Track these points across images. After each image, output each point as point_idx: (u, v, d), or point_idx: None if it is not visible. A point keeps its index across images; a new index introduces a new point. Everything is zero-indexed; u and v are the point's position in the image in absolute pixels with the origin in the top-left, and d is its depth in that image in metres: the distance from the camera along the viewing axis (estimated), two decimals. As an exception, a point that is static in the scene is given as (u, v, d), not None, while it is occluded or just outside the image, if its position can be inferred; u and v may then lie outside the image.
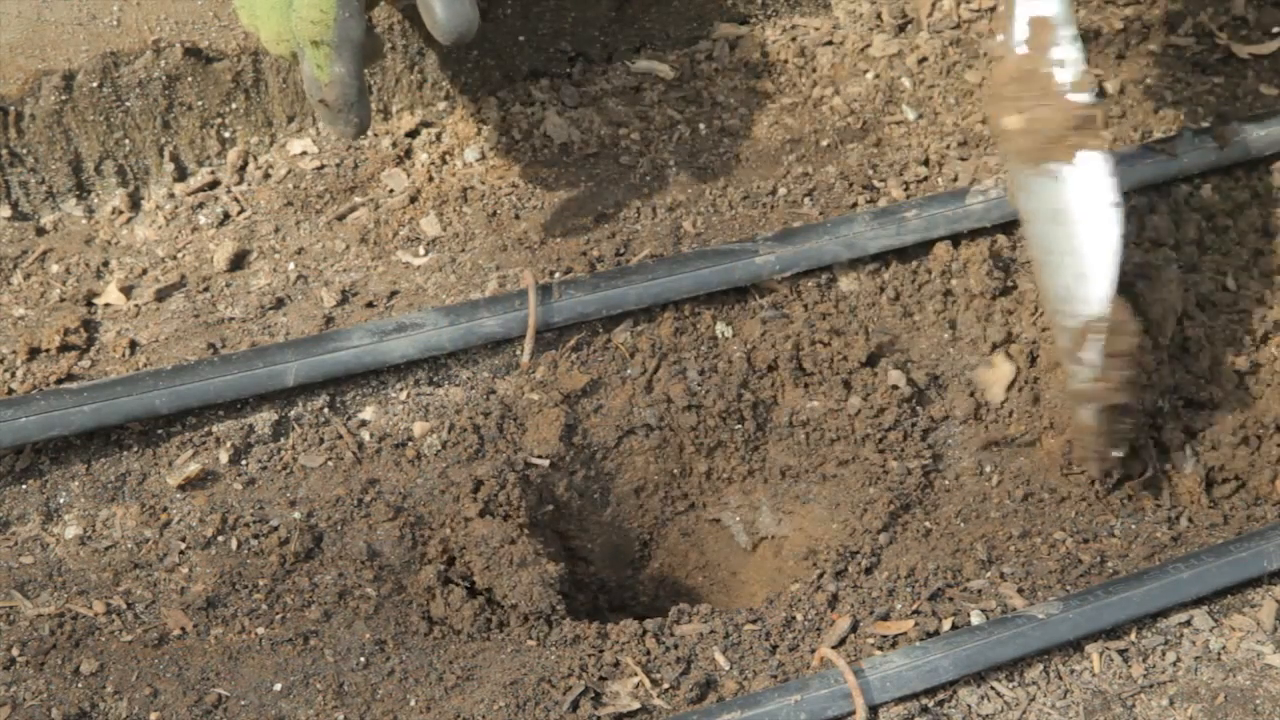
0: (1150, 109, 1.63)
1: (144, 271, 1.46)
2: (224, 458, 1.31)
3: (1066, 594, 1.21)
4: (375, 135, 1.59)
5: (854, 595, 1.24)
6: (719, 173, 1.56)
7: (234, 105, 1.54)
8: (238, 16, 1.39)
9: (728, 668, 1.20)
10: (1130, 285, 1.35)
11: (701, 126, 1.61)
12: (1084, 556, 1.26)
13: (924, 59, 1.67)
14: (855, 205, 1.51)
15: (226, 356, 1.34)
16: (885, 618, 1.21)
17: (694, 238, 1.47)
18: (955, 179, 1.53)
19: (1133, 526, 1.30)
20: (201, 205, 1.53)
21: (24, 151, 1.49)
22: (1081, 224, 1.27)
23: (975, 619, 1.20)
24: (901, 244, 1.46)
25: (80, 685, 1.17)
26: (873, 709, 1.14)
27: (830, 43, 1.70)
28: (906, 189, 1.53)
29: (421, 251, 1.48)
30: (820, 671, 1.16)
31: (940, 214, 1.47)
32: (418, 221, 1.51)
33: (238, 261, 1.47)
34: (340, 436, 1.34)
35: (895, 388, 1.41)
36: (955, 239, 1.48)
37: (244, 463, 1.32)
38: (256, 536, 1.27)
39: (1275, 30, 1.74)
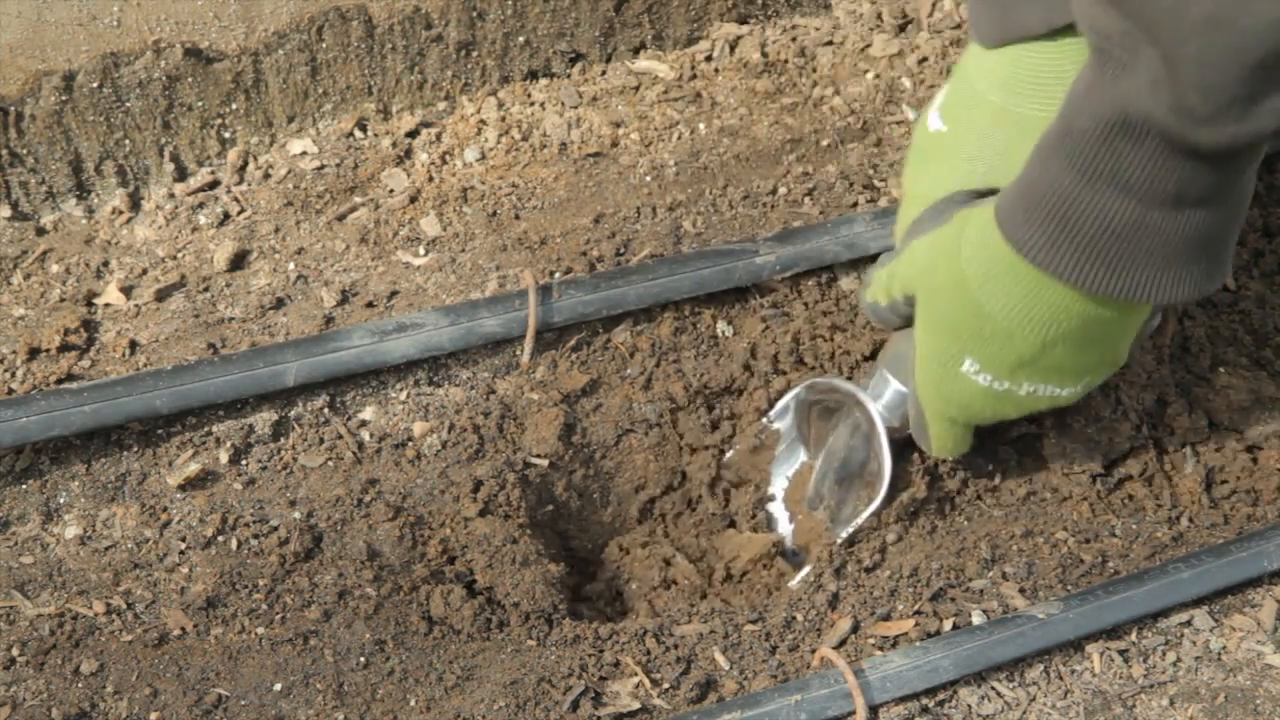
0: (1150, 109, 1.63)
1: (144, 271, 1.46)
2: (224, 458, 1.31)
3: (1067, 594, 1.21)
4: (375, 135, 1.59)
5: (855, 595, 1.24)
6: (719, 173, 1.56)
7: (234, 105, 1.54)
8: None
9: (728, 668, 1.20)
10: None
11: (701, 126, 1.61)
12: (1085, 556, 1.26)
13: (924, 59, 1.67)
14: (856, 205, 1.51)
15: (226, 356, 1.33)
16: (887, 618, 1.21)
17: (694, 238, 1.47)
18: (955, 179, 1.53)
19: (1133, 526, 1.30)
20: (201, 205, 1.53)
21: (24, 151, 1.49)
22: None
23: (976, 619, 1.20)
24: (902, 244, 1.46)
25: (80, 685, 1.17)
26: (873, 709, 1.14)
27: (830, 43, 1.70)
28: (907, 189, 1.53)
29: (421, 251, 1.48)
30: (820, 671, 1.16)
31: (940, 214, 1.47)
32: (418, 221, 1.51)
33: (238, 261, 1.47)
34: (340, 436, 1.34)
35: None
36: (955, 239, 1.48)
37: (244, 463, 1.32)
38: (256, 536, 1.27)
39: (1275, 30, 1.74)
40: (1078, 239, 1.04)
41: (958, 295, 1.15)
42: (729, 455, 1.39)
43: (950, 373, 1.19)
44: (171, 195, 1.54)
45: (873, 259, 1.47)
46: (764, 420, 1.38)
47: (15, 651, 1.18)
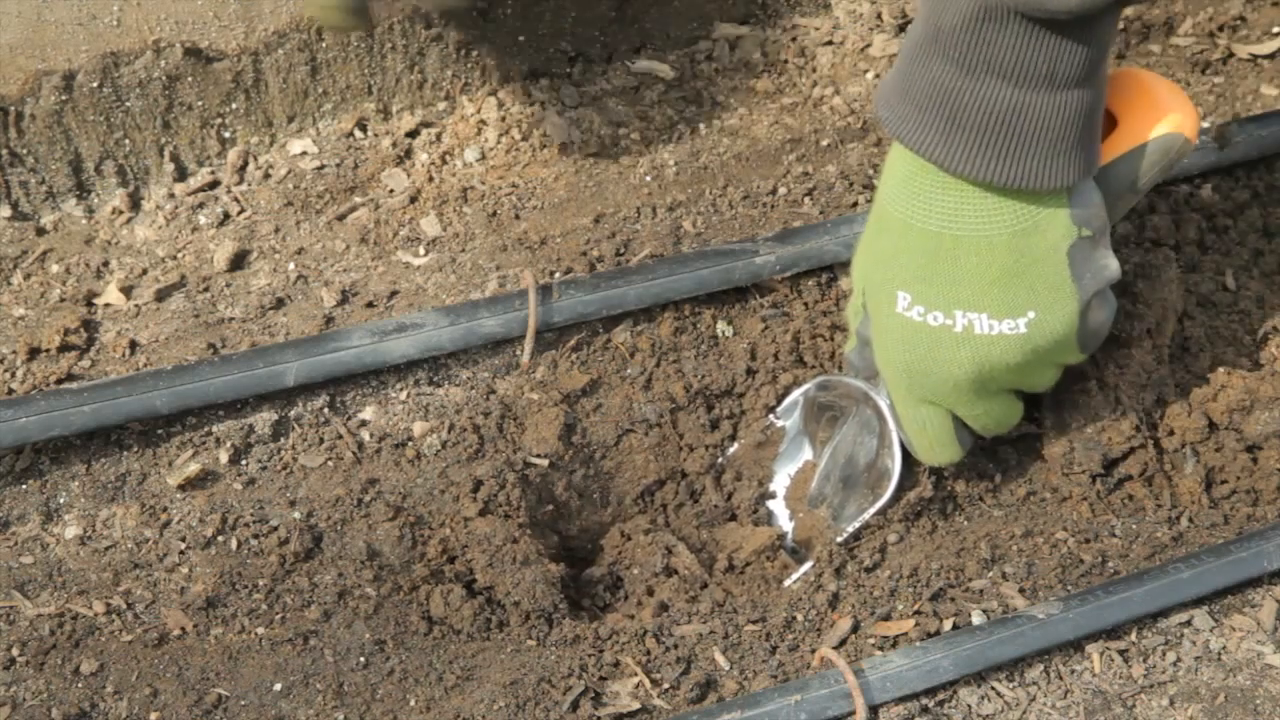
0: (1150, 109, 1.63)
1: (144, 271, 1.46)
2: (224, 458, 1.31)
3: (1067, 594, 1.21)
4: (375, 135, 1.59)
5: (855, 595, 1.24)
6: (719, 173, 1.56)
7: (234, 105, 1.54)
8: None
9: (728, 668, 1.20)
10: (1130, 285, 1.35)
11: (701, 126, 1.61)
12: (1085, 556, 1.26)
13: (924, 59, 1.67)
14: (856, 205, 1.51)
15: (226, 356, 1.34)
16: (887, 618, 1.21)
17: (694, 238, 1.47)
18: (955, 179, 1.53)
19: (1133, 526, 1.30)
20: (201, 205, 1.53)
21: (24, 151, 1.49)
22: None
23: (976, 619, 1.20)
24: (902, 244, 1.46)
25: (80, 685, 1.17)
26: (873, 709, 1.14)
27: (830, 43, 1.70)
28: (907, 189, 1.53)
29: (421, 251, 1.48)
30: (820, 671, 1.16)
31: (940, 214, 1.46)
32: (418, 221, 1.51)
33: (238, 261, 1.47)
34: (340, 436, 1.34)
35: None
36: (955, 239, 1.47)
37: (244, 463, 1.32)
38: (256, 536, 1.27)
39: (1275, 30, 1.74)
40: (967, 130, 1.07)
41: (876, 222, 1.19)
42: (732, 450, 1.39)
43: (889, 320, 1.20)
44: (171, 195, 1.54)
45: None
46: (770, 416, 1.38)
47: (15, 651, 1.18)
